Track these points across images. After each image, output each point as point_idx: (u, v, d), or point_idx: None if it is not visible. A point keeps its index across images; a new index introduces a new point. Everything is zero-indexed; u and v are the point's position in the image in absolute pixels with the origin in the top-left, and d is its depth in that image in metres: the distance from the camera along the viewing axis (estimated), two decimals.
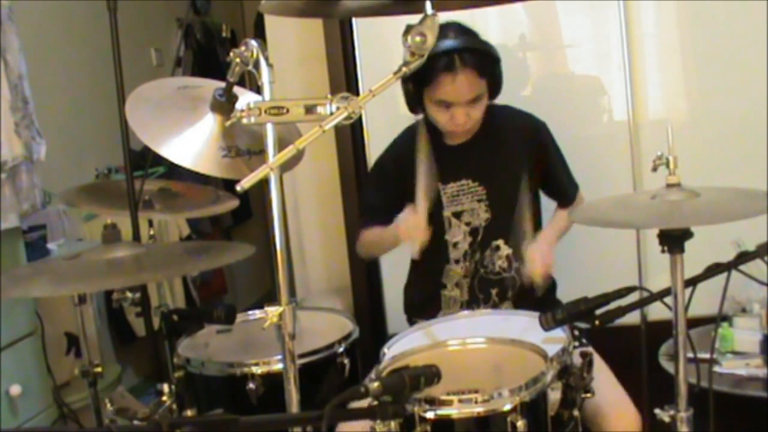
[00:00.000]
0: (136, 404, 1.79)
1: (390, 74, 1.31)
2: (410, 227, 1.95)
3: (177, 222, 3.79)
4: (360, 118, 2.11)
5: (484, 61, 2.02)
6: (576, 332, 1.76)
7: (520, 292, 2.14)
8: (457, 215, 2.15)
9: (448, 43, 1.98)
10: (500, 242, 2.14)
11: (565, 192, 2.23)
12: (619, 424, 1.81)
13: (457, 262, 2.17)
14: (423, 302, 2.24)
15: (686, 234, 1.43)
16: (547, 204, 2.27)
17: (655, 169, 1.50)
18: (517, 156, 2.15)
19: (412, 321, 2.28)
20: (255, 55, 1.37)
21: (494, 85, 2.06)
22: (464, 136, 2.15)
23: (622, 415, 1.83)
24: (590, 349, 1.90)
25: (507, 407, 1.44)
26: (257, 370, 1.80)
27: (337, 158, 2.88)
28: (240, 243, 1.52)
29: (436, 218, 2.14)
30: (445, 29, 1.98)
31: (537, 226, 2.20)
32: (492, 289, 2.15)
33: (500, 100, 2.27)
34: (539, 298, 2.07)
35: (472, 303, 2.15)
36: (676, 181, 1.49)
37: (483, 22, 2.80)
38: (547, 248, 2.03)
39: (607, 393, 1.85)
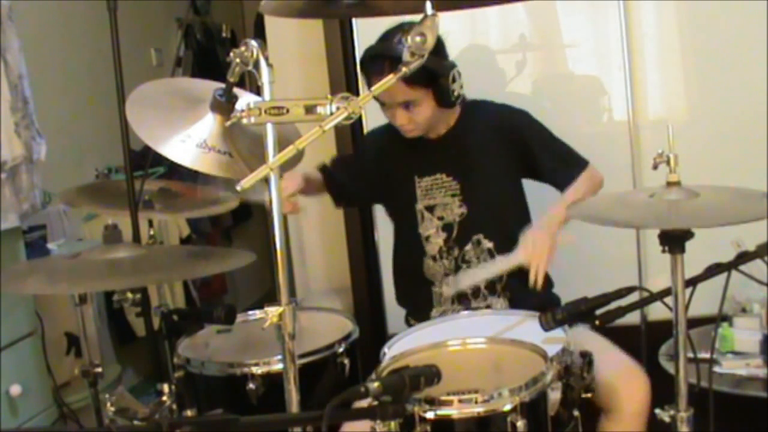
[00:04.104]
0: (136, 404, 1.79)
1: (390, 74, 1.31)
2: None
3: (177, 222, 3.79)
4: (360, 118, 2.12)
5: (411, 73, 1.96)
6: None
7: (510, 285, 2.14)
8: (430, 209, 2.16)
9: (382, 47, 2.02)
10: (480, 236, 2.14)
11: (562, 174, 2.14)
12: (629, 388, 1.84)
13: (434, 259, 2.17)
14: (414, 297, 2.26)
15: (687, 234, 1.43)
16: (537, 193, 2.25)
17: (655, 167, 1.50)
18: (493, 151, 2.15)
19: (407, 317, 2.30)
20: (255, 55, 1.37)
21: (438, 94, 2.04)
22: (441, 131, 2.17)
23: (631, 380, 1.86)
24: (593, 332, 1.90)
25: (507, 407, 1.44)
26: (257, 370, 1.80)
27: None
28: (241, 250, 1.53)
29: (408, 211, 2.18)
30: (401, 31, 1.93)
31: (522, 218, 2.20)
32: (480, 284, 2.15)
33: (499, 98, 2.28)
34: (536, 295, 2.07)
35: (462, 299, 2.15)
36: (676, 179, 1.49)
37: (483, 22, 2.80)
38: (542, 235, 1.98)
39: (614, 364, 1.88)
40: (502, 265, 2.01)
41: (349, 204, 2.62)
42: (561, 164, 2.15)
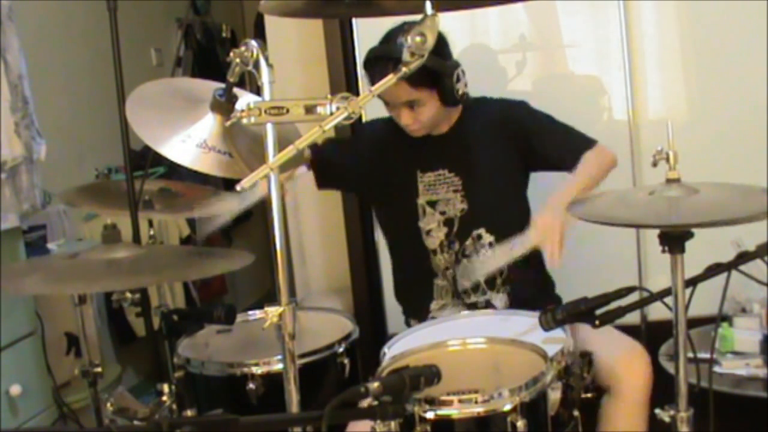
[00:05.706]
0: (136, 404, 1.79)
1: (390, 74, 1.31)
2: None
3: (177, 222, 3.79)
4: (360, 118, 2.11)
5: (415, 75, 1.94)
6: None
7: (509, 280, 2.14)
8: (432, 204, 2.17)
9: (385, 49, 2.02)
10: (482, 231, 2.15)
11: (568, 155, 2.09)
12: (630, 366, 1.87)
13: (434, 252, 2.18)
14: (413, 291, 2.26)
15: (687, 234, 1.43)
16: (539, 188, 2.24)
17: (655, 164, 1.50)
18: (494, 146, 2.16)
19: (406, 311, 2.30)
20: (255, 56, 1.37)
21: (443, 94, 2.04)
22: (443, 128, 2.17)
23: (632, 359, 1.90)
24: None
25: (507, 407, 1.45)
26: (257, 370, 1.80)
27: None
28: (241, 250, 1.52)
29: (408, 205, 2.18)
30: (402, 31, 1.93)
31: (523, 212, 2.20)
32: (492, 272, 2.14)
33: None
34: (537, 290, 2.07)
35: (460, 293, 2.15)
36: (676, 176, 1.49)
37: (483, 22, 2.80)
38: (550, 215, 1.93)
39: (613, 343, 1.90)
40: (517, 250, 1.94)
41: (331, 186, 2.55)
42: (565, 146, 2.12)
